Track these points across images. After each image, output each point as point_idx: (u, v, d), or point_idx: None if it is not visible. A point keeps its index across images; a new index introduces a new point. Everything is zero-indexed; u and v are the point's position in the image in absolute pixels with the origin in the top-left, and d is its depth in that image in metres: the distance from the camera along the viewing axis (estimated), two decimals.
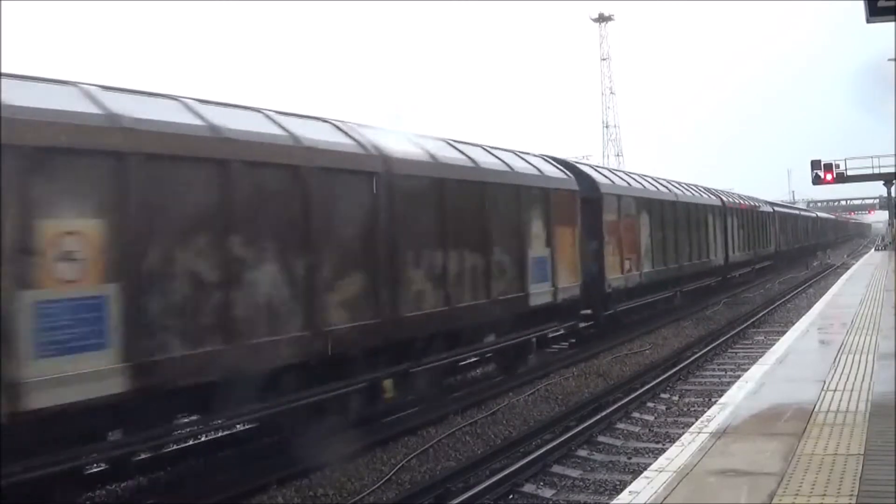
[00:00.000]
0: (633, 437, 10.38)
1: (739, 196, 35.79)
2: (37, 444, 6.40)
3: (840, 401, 7.25)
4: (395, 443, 9.83)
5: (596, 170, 20.05)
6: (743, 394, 7.97)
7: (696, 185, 29.51)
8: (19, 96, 6.40)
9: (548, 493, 8.30)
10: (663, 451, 6.89)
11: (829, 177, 39.94)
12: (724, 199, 30.59)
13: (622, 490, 5.58)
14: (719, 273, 28.86)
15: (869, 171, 40.11)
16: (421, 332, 10.89)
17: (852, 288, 20.91)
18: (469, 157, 12.65)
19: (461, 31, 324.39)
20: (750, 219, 34.83)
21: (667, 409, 11.88)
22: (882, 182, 41.55)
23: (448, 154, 12.16)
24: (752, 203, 36.84)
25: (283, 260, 8.53)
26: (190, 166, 7.63)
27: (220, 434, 10.12)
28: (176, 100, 8.29)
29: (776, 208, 44.99)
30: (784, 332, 13.88)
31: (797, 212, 58.08)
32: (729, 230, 30.06)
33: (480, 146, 13.85)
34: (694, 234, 25.47)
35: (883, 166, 39.26)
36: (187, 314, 7.39)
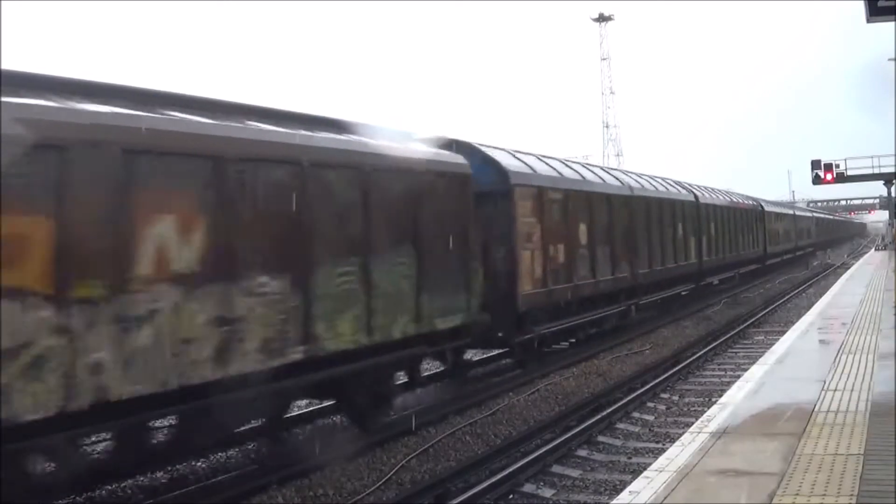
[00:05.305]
0: (633, 437, 10.38)
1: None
2: None
3: (840, 401, 7.25)
4: (395, 443, 9.82)
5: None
6: (743, 394, 7.97)
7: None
8: None
9: (548, 492, 8.30)
10: (663, 451, 6.89)
11: (829, 177, 39.95)
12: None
13: (622, 490, 5.58)
14: None
15: (869, 171, 40.16)
16: None
17: (852, 288, 20.92)
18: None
19: (461, 30, 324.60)
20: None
21: (667, 409, 11.88)
22: (882, 182, 41.57)
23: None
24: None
25: None
26: None
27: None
28: None
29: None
30: (784, 332, 13.89)
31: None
32: None
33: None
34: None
35: (883, 166, 39.33)
36: None
